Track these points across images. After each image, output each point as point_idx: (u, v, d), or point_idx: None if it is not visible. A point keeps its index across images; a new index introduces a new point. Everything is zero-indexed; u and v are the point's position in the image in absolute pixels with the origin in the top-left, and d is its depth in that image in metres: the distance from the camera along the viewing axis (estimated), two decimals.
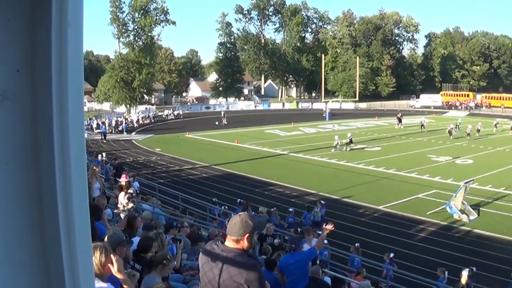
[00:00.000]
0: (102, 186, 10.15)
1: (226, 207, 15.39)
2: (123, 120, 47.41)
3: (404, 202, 18.59)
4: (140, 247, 5.32)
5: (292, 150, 31.33)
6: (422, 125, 40.42)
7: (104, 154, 23.56)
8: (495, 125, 39.65)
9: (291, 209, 15.13)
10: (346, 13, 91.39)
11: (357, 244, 11.56)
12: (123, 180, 8.76)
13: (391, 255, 11.02)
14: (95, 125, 43.45)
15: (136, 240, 5.80)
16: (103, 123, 43.14)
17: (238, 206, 15.40)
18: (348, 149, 30.37)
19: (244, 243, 2.93)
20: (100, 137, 37.68)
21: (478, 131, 35.93)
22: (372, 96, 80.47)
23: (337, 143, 30.33)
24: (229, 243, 2.97)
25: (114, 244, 4.45)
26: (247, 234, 2.91)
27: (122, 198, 8.55)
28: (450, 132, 35.30)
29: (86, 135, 24.53)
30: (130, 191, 8.61)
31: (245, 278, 2.86)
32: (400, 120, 43.17)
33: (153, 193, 16.84)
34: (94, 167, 9.89)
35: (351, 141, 30.92)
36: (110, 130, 42.46)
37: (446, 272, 9.97)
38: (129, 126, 45.79)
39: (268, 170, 24.93)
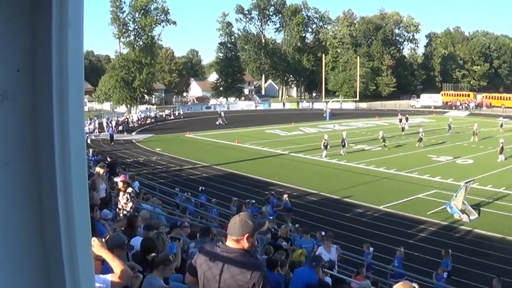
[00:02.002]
0: (107, 187, 10.04)
1: (189, 193, 16.77)
2: (126, 119, 47.40)
3: (405, 202, 18.59)
4: (144, 248, 5.29)
5: (293, 150, 31.33)
6: (402, 128, 38.59)
7: (90, 150, 23.62)
8: (500, 125, 39.42)
9: (253, 201, 16.00)
10: (346, 13, 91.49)
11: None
12: (120, 180, 8.71)
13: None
14: (93, 126, 43.05)
15: (137, 240, 5.79)
16: (99, 123, 42.84)
17: (200, 194, 17.15)
18: (343, 153, 28.86)
19: (244, 243, 2.93)
20: (108, 138, 37.24)
21: (475, 133, 34.28)
22: (372, 96, 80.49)
23: (327, 143, 28.27)
24: (229, 243, 2.98)
25: (114, 245, 4.42)
26: (247, 234, 2.91)
27: (121, 199, 8.54)
28: (474, 133, 34.36)
29: (93, 137, 25.43)
30: (129, 190, 8.57)
31: (249, 278, 2.86)
32: (401, 121, 42.09)
33: (154, 193, 16.85)
34: (100, 169, 9.71)
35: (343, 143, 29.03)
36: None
37: (371, 248, 11.79)
38: (129, 126, 45.80)
39: (269, 170, 24.93)
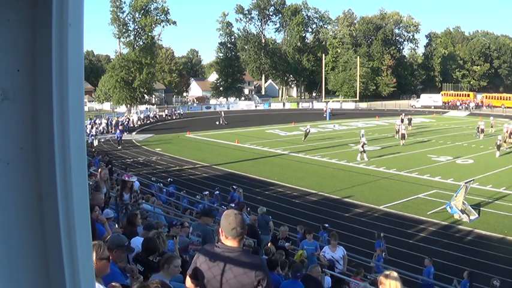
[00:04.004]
0: (108, 188, 10.02)
1: (161, 184, 18.86)
2: (127, 119, 47.33)
3: (405, 202, 18.58)
4: (145, 248, 5.28)
5: (293, 150, 31.32)
6: (396, 131, 36.71)
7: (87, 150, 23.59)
8: (491, 125, 39.25)
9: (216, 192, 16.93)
10: (346, 13, 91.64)
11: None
12: (127, 180, 8.74)
13: (326, 225, 13.53)
14: (101, 128, 42.79)
15: (137, 240, 5.79)
16: (99, 125, 42.57)
17: (169, 185, 18.68)
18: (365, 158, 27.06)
19: (239, 243, 2.94)
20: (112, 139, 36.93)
21: (482, 131, 34.69)
22: (372, 96, 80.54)
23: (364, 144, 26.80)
24: (228, 242, 2.96)
25: (113, 245, 4.42)
26: (242, 233, 2.93)
27: (128, 197, 8.56)
28: (482, 131, 34.66)
29: (102, 140, 26.33)
30: (134, 188, 8.61)
31: (253, 278, 2.84)
32: (402, 121, 41.47)
33: (153, 193, 16.85)
34: (102, 172, 9.66)
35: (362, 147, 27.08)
36: (111, 130, 42.40)
37: (303, 229, 12.18)
38: (130, 126, 45.77)
39: (269, 169, 24.93)
